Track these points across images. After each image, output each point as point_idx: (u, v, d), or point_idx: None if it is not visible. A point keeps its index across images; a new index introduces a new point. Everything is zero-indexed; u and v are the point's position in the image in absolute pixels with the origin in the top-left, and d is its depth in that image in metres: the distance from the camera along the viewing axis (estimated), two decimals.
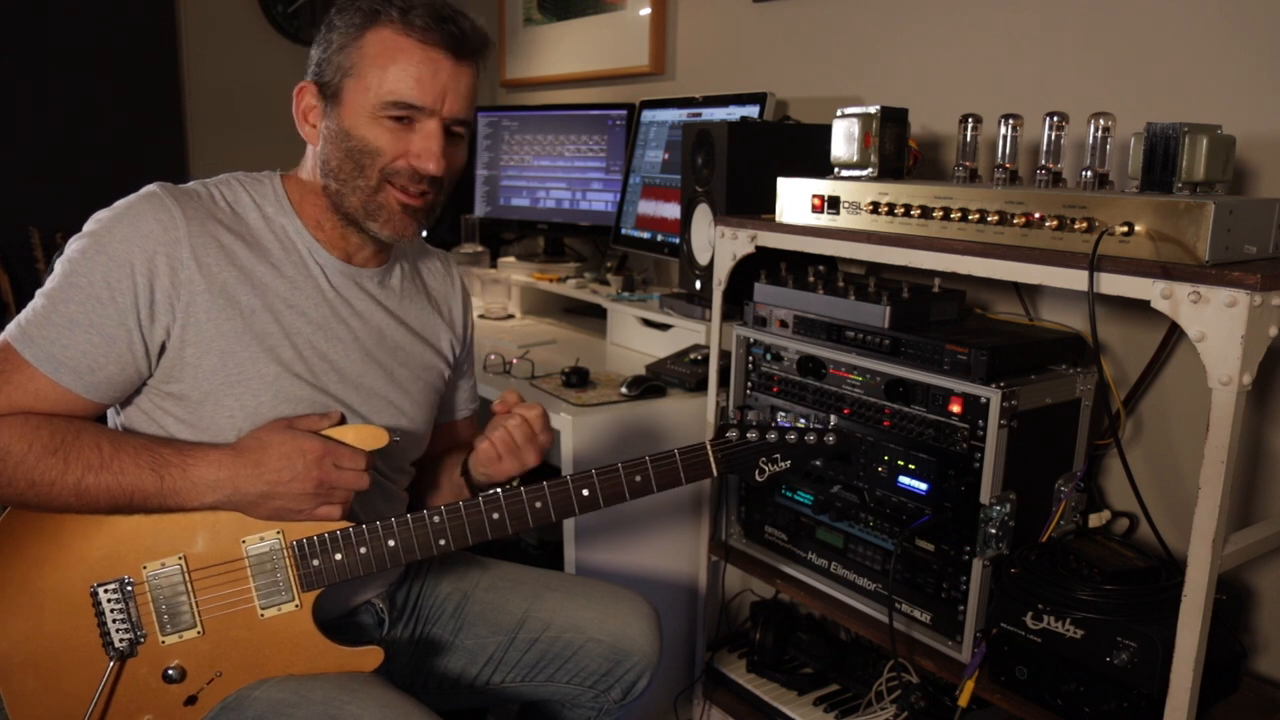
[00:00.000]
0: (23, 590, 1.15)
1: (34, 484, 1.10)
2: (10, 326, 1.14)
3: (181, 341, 1.16)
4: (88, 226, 1.15)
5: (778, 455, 1.30)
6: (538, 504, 1.24)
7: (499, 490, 1.24)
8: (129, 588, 1.16)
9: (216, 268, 1.17)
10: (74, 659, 1.15)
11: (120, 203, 1.16)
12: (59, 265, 1.14)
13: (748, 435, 1.30)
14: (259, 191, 1.26)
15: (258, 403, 1.19)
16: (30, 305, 1.14)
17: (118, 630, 1.16)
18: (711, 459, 1.29)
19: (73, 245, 1.14)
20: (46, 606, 1.15)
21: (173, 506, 1.15)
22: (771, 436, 1.30)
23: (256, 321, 1.19)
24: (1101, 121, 1.39)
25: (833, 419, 1.31)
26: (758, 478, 1.31)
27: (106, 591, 1.16)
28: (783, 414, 1.72)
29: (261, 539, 1.18)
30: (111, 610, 1.16)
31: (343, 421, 1.23)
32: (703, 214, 1.96)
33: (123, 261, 1.12)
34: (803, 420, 1.65)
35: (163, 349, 1.16)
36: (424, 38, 1.16)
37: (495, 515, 1.23)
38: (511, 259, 2.85)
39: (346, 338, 1.27)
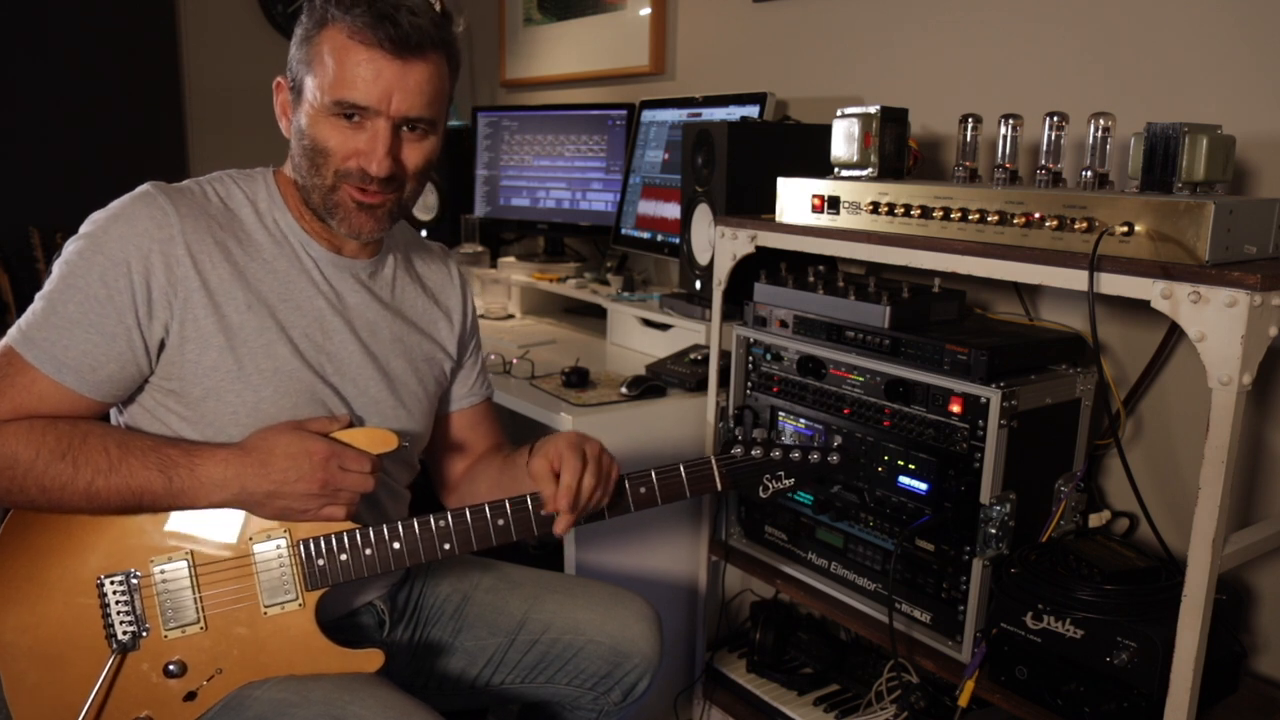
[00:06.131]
0: (29, 580, 1.15)
1: (44, 489, 1.11)
2: (11, 330, 1.14)
3: (181, 339, 1.16)
4: (84, 228, 1.16)
5: (781, 473, 1.31)
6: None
7: (506, 501, 1.24)
8: (135, 581, 1.16)
9: (212, 264, 1.18)
10: (76, 650, 1.15)
11: (115, 203, 1.17)
12: (56, 267, 1.15)
13: (752, 452, 1.31)
14: (252, 187, 1.26)
15: (259, 398, 1.19)
16: (30, 308, 1.15)
17: (121, 623, 1.16)
18: (716, 474, 1.30)
19: (69, 247, 1.15)
20: (52, 597, 1.15)
21: (182, 506, 1.16)
22: (775, 454, 1.31)
23: (254, 317, 1.20)
24: (1101, 121, 1.39)
25: (837, 439, 1.31)
26: (761, 494, 1.32)
27: (113, 584, 1.16)
28: (784, 414, 1.71)
29: (269, 537, 1.19)
30: (116, 602, 1.16)
31: (351, 425, 1.23)
32: (703, 214, 1.96)
33: (119, 260, 1.13)
34: (803, 421, 1.66)
35: (162, 346, 1.17)
36: (364, 38, 1.15)
37: (500, 522, 1.24)
38: (511, 259, 2.85)
39: (342, 330, 1.28)
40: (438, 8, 1.21)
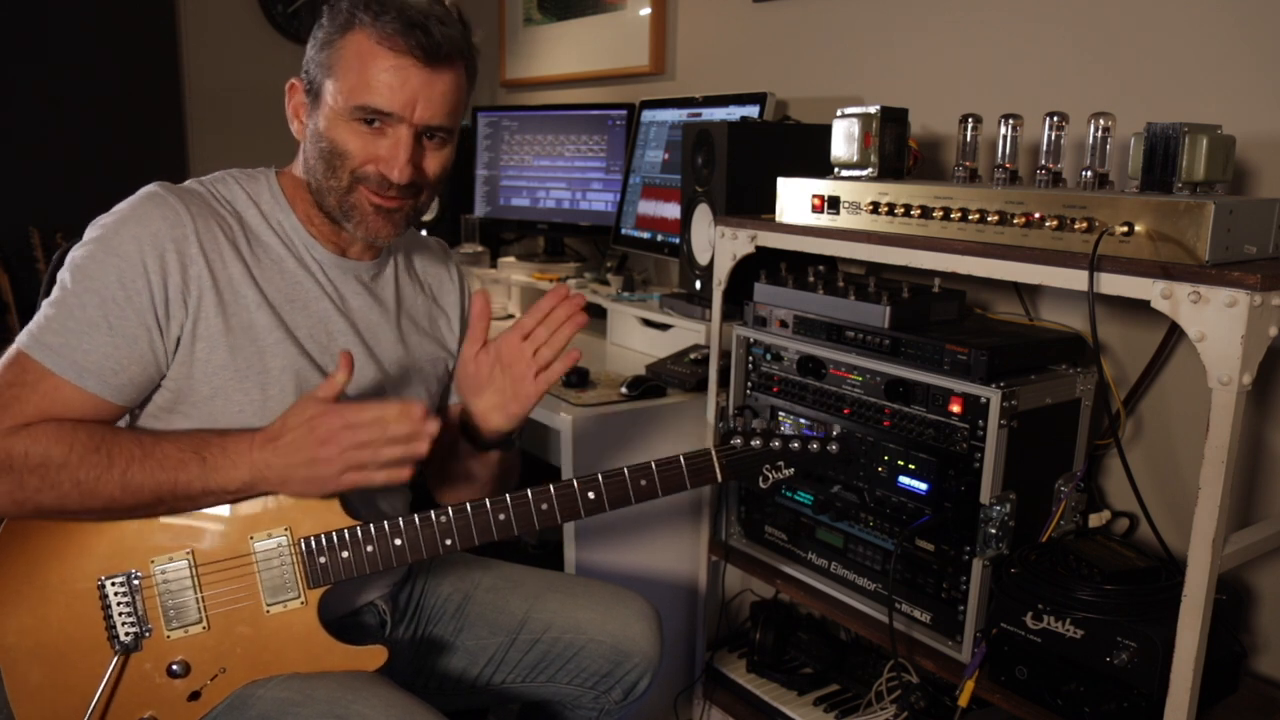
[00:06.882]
0: (29, 583, 1.15)
1: (79, 483, 1.09)
2: (22, 338, 1.12)
3: (193, 337, 1.16)
4: (91, 233, 1.14)
5: (781, 462, 1.31)
6: (544, 506, 1.24)
7: (507, 495, 1.24)
8: (136, 581, 1.16)
9: (223, 263, 1.18)
10: (79, 653, 1.15)
11: (122, 205, 1.16)
12: (66, 273, 1.13)
13: (752, 443, 1.31)
14: (254, 188, 1.26)
15: (265, 397, 1.20)
16: (40, 315, 1.13)
17: (123, 624, 1.16)
18: (716, 465, 1.30)
19: (78, 252, 1.13)
20: (53, 600, 1.15)
21: (215, 488, 1.12)
22: (775, 444, 1.31)
23: (263, 316, 1.20)
24: (1101, 121, 1.39)
25: (836, 428, 1.32)
26: (761, 484, 1.32)
27: (114, 585, 1.16)
28: (784, 414, 1.72)
29: (269, 535, 1.19)
30: (118, 604, 1.16)
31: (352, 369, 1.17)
32: (703, 214, 1.96)
33: (135, 261, 1.12)
34: (804, 421, 1.66)
35: (177, 345, 1.17)
36: (393, 45, 1.15)
37: (502, 516, 1.24)
38: (511, 259, 2.84)
39: (347, 332, 1.28)
40: (455, 15, 1.21)
